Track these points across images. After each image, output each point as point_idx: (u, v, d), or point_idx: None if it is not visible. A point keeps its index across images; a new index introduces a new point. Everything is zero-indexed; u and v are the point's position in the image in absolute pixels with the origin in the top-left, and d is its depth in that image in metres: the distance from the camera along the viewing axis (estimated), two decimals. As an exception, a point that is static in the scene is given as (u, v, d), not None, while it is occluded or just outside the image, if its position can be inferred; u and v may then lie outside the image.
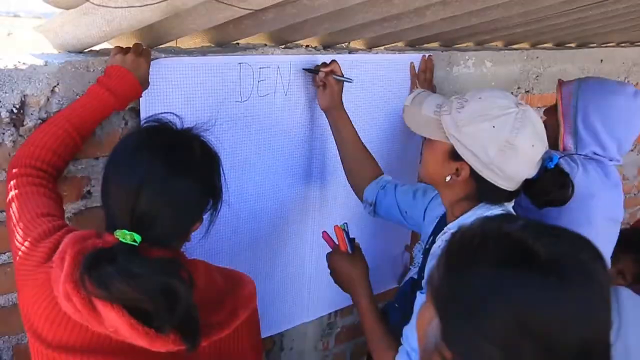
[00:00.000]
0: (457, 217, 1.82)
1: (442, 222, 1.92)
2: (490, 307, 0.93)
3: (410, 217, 2.18)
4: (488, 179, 1.73)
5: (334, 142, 2.31)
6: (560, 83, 2.49)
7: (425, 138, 1.85)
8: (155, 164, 1.42)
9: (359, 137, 2.28)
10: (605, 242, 2.39)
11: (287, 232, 2.44)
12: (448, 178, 1.78)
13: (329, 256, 2.01)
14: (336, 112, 2.27)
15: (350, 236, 2.01)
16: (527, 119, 1.70)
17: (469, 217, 1.78)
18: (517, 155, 1.69)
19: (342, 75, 2.24)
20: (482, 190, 1.76)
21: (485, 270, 0.95)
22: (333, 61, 2.23)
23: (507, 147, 1.68)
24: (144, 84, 1.80)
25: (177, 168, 1.43)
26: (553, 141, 2.39)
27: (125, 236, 1.37)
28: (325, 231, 2.06)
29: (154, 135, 1.50)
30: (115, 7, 1.57)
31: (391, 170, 2.38)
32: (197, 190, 1.48)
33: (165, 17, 1.65)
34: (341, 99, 2.26)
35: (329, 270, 2.01)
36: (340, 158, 2.31)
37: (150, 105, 1.90)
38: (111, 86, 1.69)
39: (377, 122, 2.57)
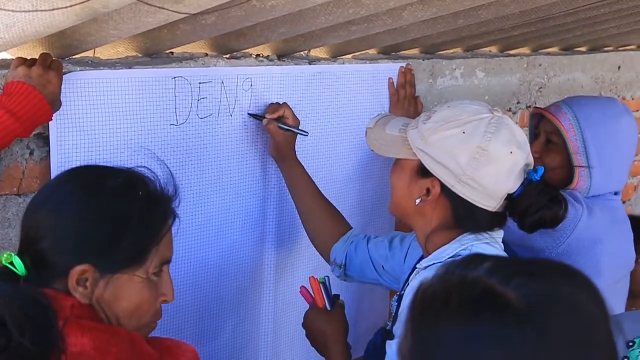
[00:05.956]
0: (431, 253, 1.86)
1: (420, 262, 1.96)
2: None
3: (387, 272, 2.21)
4: (463, 196, 1.78)
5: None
6: (546, 111, 2.52)
7: (392, 163, 1.91)
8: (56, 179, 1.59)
9: (317, 190, 2.32)
10: (616, 294, 2.43)
11: (237, 284, 2.44)
12: (418, 200, 1.83)
13: (305, 313, 2.11)
14: (284, 164, 2.32)
15: (332, 292, 2.11)
16: (503, 124, 1.78)
17: (445, 250, 1.82)
18: (492, 163, 1.75)
19: (292, 126, 2.25)
20: (459, 212, 1.82)
21: (453, 333, 0.98)
22: (284, 104, 2.26)
23: (480, 154, 1.75)
24: (55, 104, 1.80)
25: (76, 183, 1.53)
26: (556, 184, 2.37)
27: (2, 256, 1.44)
28: (303, 286, 2.14)
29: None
30: (15, 11, 1.57)
31: (365, 215, 2.37)
32: (85, 223, 1.48)
33: (81, 22, 1.66)
34: (292, 150, 2.30)
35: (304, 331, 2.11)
36: (299, 215, 2.35)
37: (62, 131, 1.90)
38: (12, 107, 1.69)
39: (345, 151, 2.59)
